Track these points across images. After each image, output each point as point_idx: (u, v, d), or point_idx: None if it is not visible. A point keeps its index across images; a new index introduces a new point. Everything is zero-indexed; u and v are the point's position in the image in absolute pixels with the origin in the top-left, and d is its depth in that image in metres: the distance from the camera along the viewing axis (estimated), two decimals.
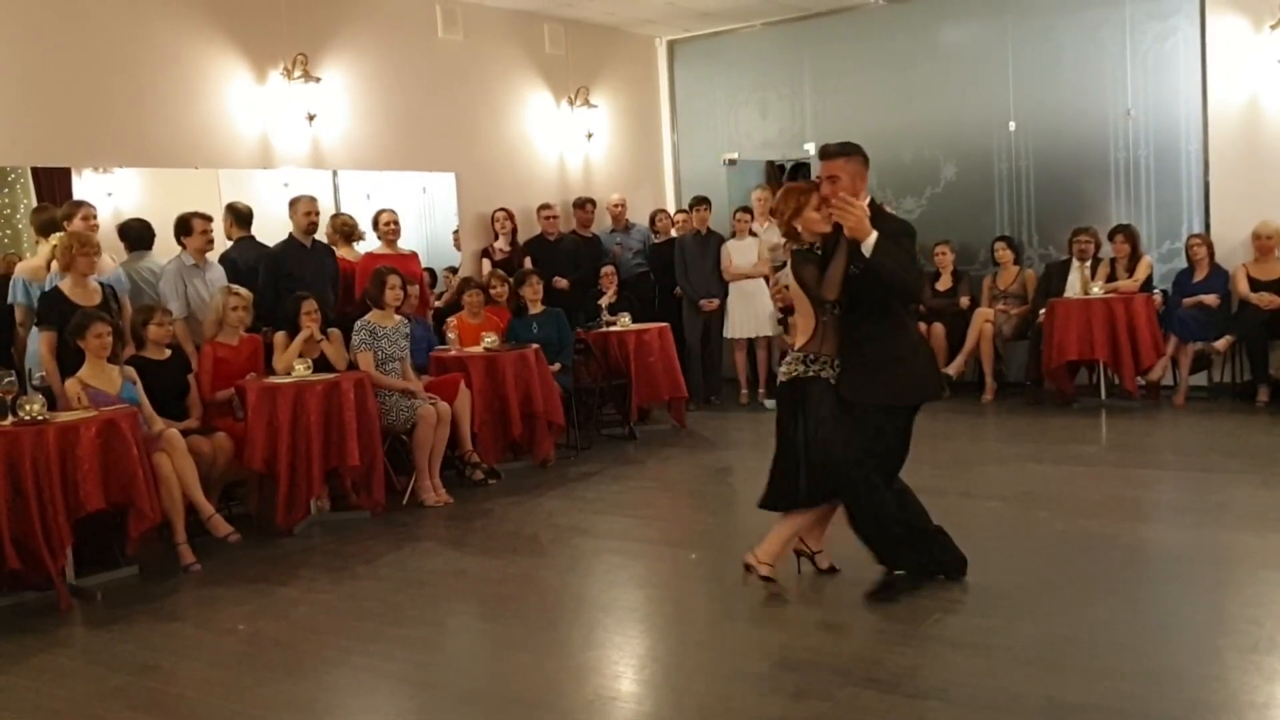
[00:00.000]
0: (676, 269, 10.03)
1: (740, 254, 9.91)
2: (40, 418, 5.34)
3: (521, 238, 9.64)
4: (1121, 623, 4.28)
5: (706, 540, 6.04)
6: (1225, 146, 9.05)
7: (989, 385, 9.41)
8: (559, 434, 8.15)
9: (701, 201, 10.08)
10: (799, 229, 4.65)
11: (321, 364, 6.82)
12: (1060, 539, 5.47)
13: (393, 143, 8.99)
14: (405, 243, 8.50)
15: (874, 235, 4.32)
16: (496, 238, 9.60)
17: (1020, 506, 6.12)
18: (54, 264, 6.26)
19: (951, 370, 9.22)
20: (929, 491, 4.94)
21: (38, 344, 6.15)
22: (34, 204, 6.93)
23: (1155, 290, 8.97)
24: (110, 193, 7.40)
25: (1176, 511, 6.15)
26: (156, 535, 5.85)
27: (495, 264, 9.25)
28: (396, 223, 8.29)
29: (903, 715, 3.64)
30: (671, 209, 11.20)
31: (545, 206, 9.80)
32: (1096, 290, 8.79)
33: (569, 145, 10.60)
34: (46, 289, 6.22)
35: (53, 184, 7.03)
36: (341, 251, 8.09)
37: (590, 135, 10.72)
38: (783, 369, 4.77)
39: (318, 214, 7.72)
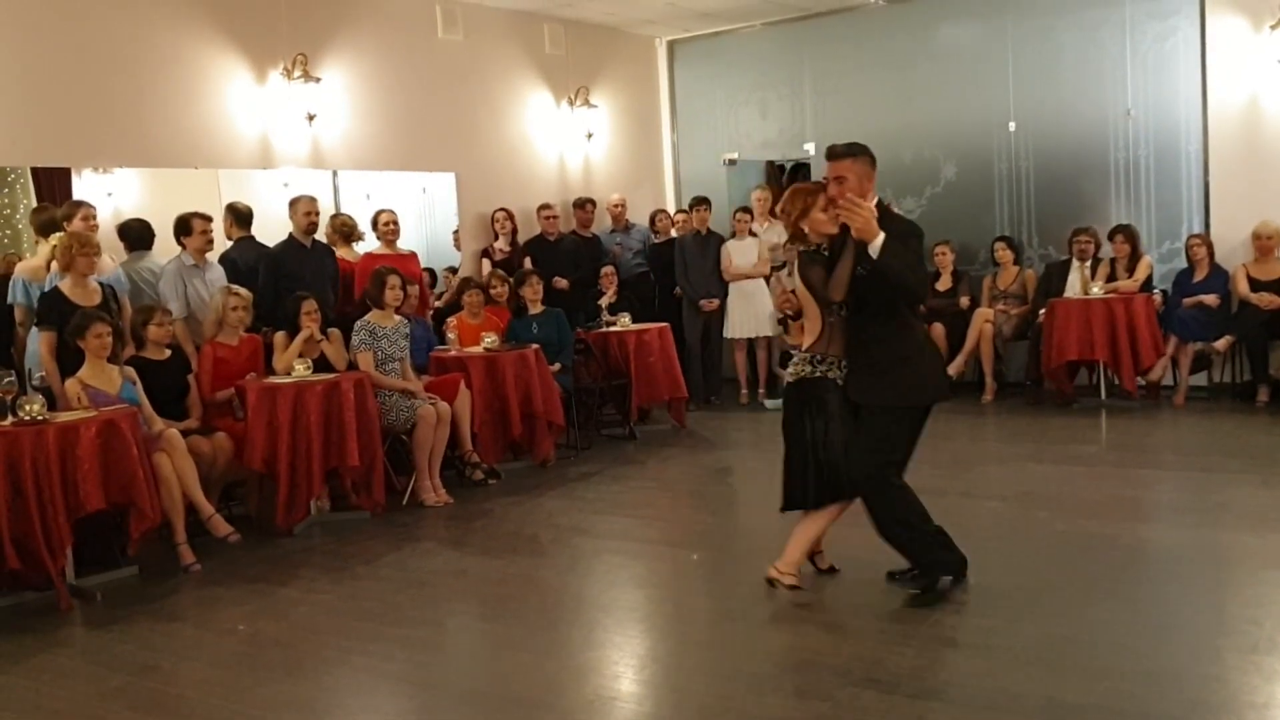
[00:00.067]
0: (676, 269, 10.03)
1: (740, 254, 9.91)
2: (40, 418, 5.34)
3: (521, 238, 9.64)
4: (1121, 623, 4.28)
5: (706, 540, 6.05)
6: (1225, 146, 9.05)
7: (989, 385, 9.41)
8: (559, 434, 8.15)
9: (701, 201, 10.08)
10: (806, 230, 4.64)
11: (321, 364, 6.81)
12: (1060, 539, 5.47)
13: (393, 143, 8.99)
14: (405, 243, 8.50)
15: (881, 236, 4.29)
16: (496, 238, 9.60)
17: (1020, 507, 6.12)
18: (54, 264, 6.26)
19: (951, 370, 9.21)
20: (929, 491, 4.93)
21: (37, 344, 6.15)
22: (34, 204, 6.92)
23: (1155, 290, 8.98)
24: (110, 193, 7.40)
25: (1176, 512, 6.15)
26: (157, 535, 5.85)
27: (495, 264, 9.25)
28: (396, 223, 8.29)
29: (903, 715, 3.64)
30: (671, 209, 11.20)
31: (545, 206, 9.80)
32: (1096, 290, 8.79)
33: (569, 145, 10.60)
34: (46, 289, 6.22)
35: (52, 184, 7.03)
36: (341, 252, 8.09)
37: (590, 135, 10.72)
38: (789, 370, 4.76)
39: (318, 214, 7.72)
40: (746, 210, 10.18)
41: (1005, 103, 9.93)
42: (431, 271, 9.07)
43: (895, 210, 4.90)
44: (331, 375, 6.66)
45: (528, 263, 9.22)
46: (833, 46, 10.79)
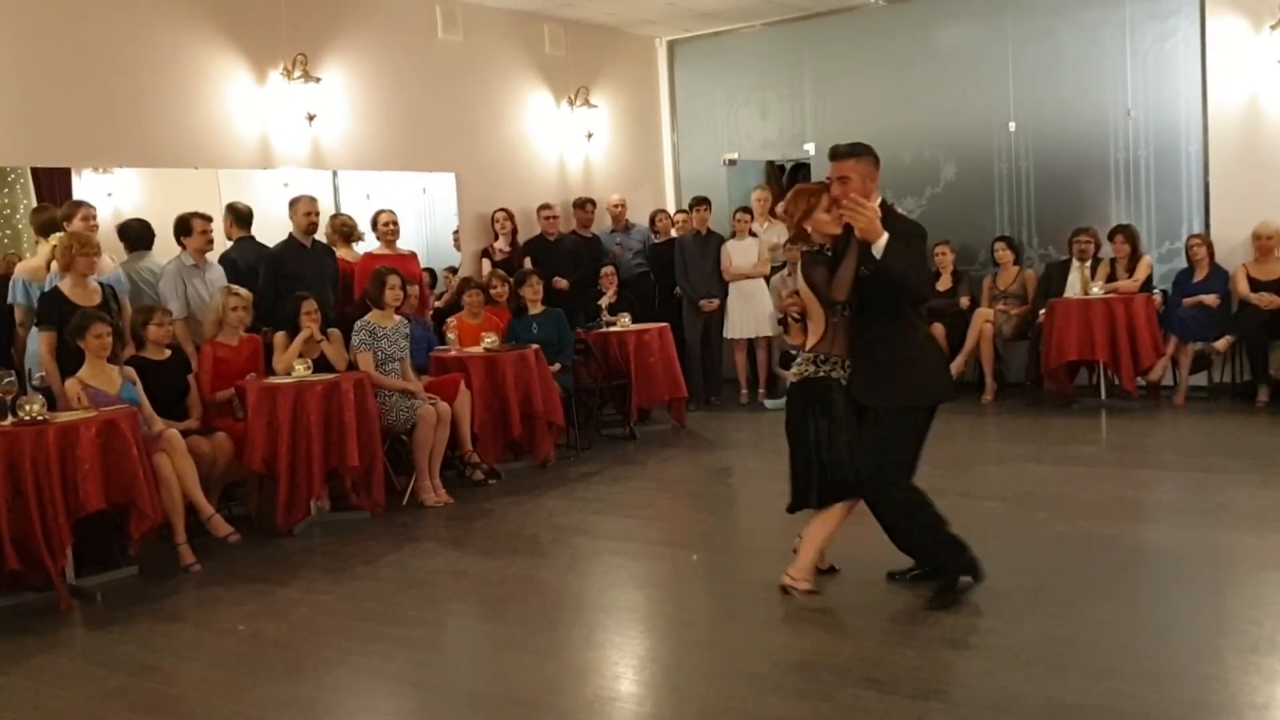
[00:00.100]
0: (676, 269, 10.03)
1: (740, 254, 9.91)
2: (40, 418, 5.33)
3: (521, 238, 9.64)
4: (1122, 623, 4.28)
5: (706, 541, 6.04)
6: (1225, 147, 9.05)
7: (989, 385, 9.41)
8: (559, 434, 8.15)
9: (701, 202, 10.08)
10: (809, 230, 4.63)
11: (321, 364, 6.81)
12: (1060, 539, 5.47)
13: (393, 143, 8.99)
14: (405, 243, 8.50)
15: (885, 236, 4.28)
16: (496, 238, 9.60)
17: (1020, 507, 6.12)
18: (54, 264, 6.26)
19: (951, 371, 9.21)
20: (929, 491, 4.91)
21: (37, 344, 6.15)
22: (34, 204, 6.92)
23: (1155, 290, 8.98)
24: (110, 193, 7.40)
25: (1177, 512, 6.15)
26: (156, 536, 5.84)
27: (495, 264, 9.25)
28: (395, 223, 8.29)
29: (903, 716, 3.64)
30: (671, 209, 11.20)
31: (545, 207, 9.80)
32: (1096, 290, 8.79)
33: (569, 145, 10.60)
34: (46, 289, 6.22)
35: (52, 184, 7.03)
36: (340, 252, 8.09)
37: (590, 135, 10.72)
38: (793, 370, 4.75)
39: (318, 214, 7.72)
40: (746, 210, 10.18)
41: (1005, 103, 9.93)
42: (431, 272, 9.07)
43: (899, 210, 4.88)
44: (331, 375, 6.66)
45: (528, 263, 9.22)
46: (833, 47, 10.79)
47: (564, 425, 8.15)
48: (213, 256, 7.24)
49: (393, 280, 7.16)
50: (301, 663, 4.49)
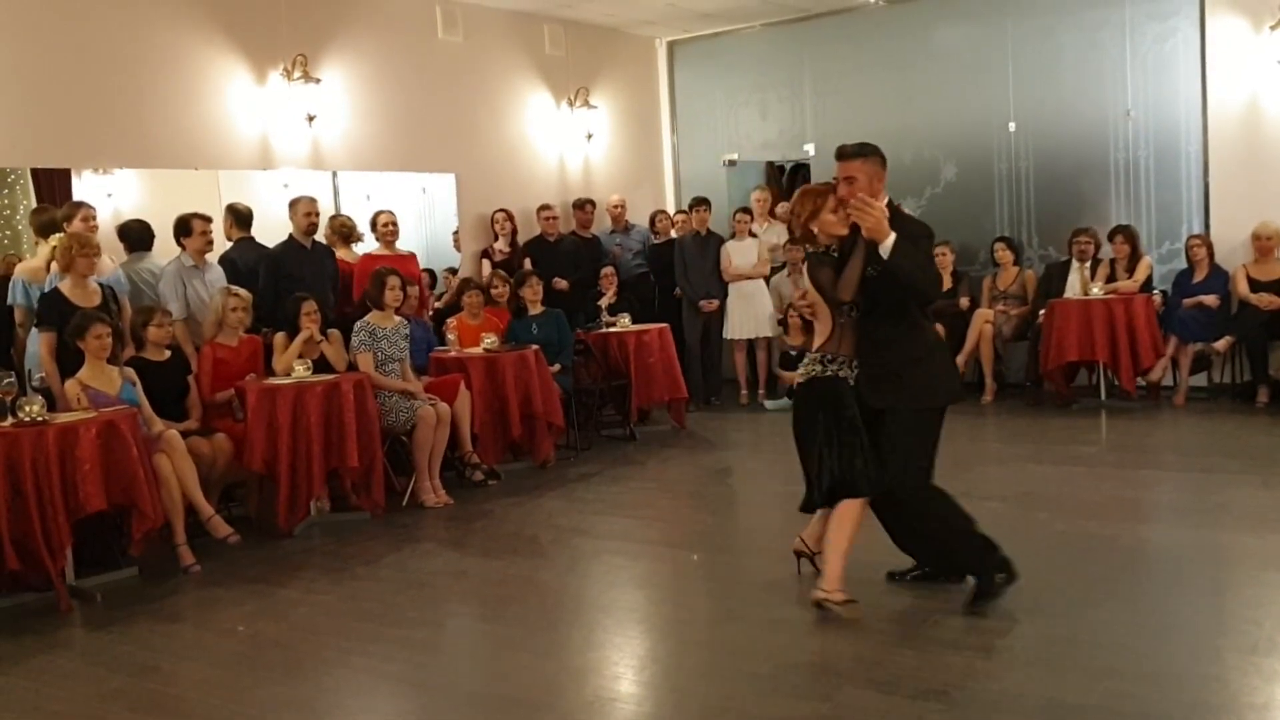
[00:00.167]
0: (676, 270, 10.03)
1: (740, 255, 9.91)
2: (40, 419, 5.33)
3: (521, 238, 9.64)
4: (1122, 624, 4.28)
5: (706, 541, 6.04)
6: (1225, 147, 9.05)
7: (989, 386, 9.40)
8: (559, 435, 8.15)
9: (701, 202, 10.08)
10: (815, 231, 4.61)
11: (321, 365, 6.81)
12: (1060, 540, 5.47)
13: (392, 144, 8.99)
14: (405, 244, 8.50)
15: (892, 236, 4.25)
16: (496, 238, 9.60)
17: (1020, 507, 6.12)
18: (53, 265, 6.26)
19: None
20: None
21: (37, 345, 6.15)
22: (34, 205, 6.93)
23: (1155, 291, 8.98)
24: (110, 194, 7.40)
25: (1177, 512, 6.15)
26: (157, 536, 5.84)
27: (495, 265, 9.25)
28: (395, 224, 8.29)
29: (903, 716, 3.64)
30: (671, 210, 11.20)
31: (545, 207, 9.80)
32: (1096, 291, 8.79)
33: (569, 146, 10.60)
34: (46, 290, 6.22)
35: (52, 185, 7.03)
36: (340, 252, 8.09)
37: (590, 136, 10.72)
38: (800, 370, 4.71)
39: (318, 215, 7.71)
40: (746, 211, 10.19)
41: (1005, 103, 9.93)
42: (431, 272, 9.07)
43: (906, 211, 4.83)
44: (331, 376, 6.65)
45: (527, 264, 9.22)
46: (833, 47, 10.79)
47: (564, 426, 8.15)
48: (212, 257, 7.24)
49: (392, 281, 7.16)
50: (301, 663, 4.49)
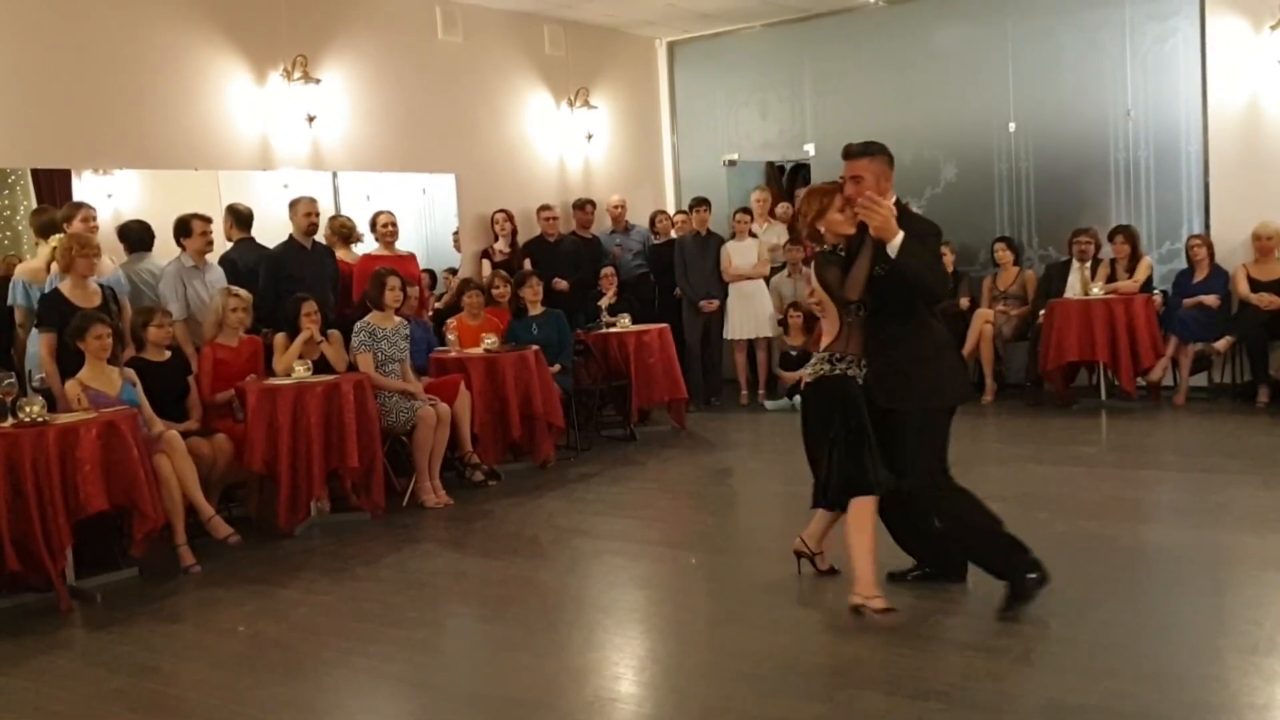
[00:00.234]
0: (676, 270, 10.03)
1: (740, 255, 9.92)
2: (40, 419, 5.33)
3: (521, 239, 9.64)
4: (1122, 624, 4.28)
5: (706, 542, 6.04)
6: (1225, 147, 9.05)
7: (989, 386, 9.40)
8: (559, 435, 8.15)
9: (701, 202, 10.08)
10: (822, 231, 4.59)
11: (321, 365, 6.81)
12: (1060, 540, 5.45)
13: (392, 144, 8.99)
14: (405, 244, 8.51)
15: (900, 235, 4.21)
16: (496, 239, 9.60)
17: (1020, 507, 6.09)
18: (54, 266, 6.26)
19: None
20: None
21: (37, 346, 6.15)
22: (34, 205, 6.93)
23: (1155, 291, 8.98)
24: (110, 194, 7.40)
25: (1177, 512, 6.15)
26: (158, 537, 5.84)
27: (495, 265, 9.25)
28: (394, 224, 8.29)
29: (903, 716, 3.63)
30: (671, 210, 11.20)
31: (545, 208, 9.80)
32: (1096, 291, 8.79)
33: (569, 146, 10.60)
34: (46, 291, 6.22)
35: (52, 185, 7.04)
36: (339, 253, 8.09)
37: (590, 136, 10.72)
38: (808, 369, 4.69)
39: (318, 215, 7.71)
40: (746, 211, 10.19)
41: (1005, 103, 9.93)
42: (431, 273, 9.08)
43: (913, 209, 4.80)
44: (331, 377, 6.66)
45: (527, 264, 9.22)
46: (833, 47, 10.79)
47: (564, 426, 8.15)
48: (212, 258, 7.24)
49: (392, 281, 7.16)
50: (301, 664, 4.49)
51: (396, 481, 7.10)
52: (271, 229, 7.71)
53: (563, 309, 8.66)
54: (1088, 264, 9.03)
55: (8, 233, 7.09)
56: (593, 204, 10.25)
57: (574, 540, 6.14)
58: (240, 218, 7.64)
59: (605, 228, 10.49)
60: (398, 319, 7.22)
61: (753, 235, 10.11)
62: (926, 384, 4.46)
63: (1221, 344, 8.62)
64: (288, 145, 8.20)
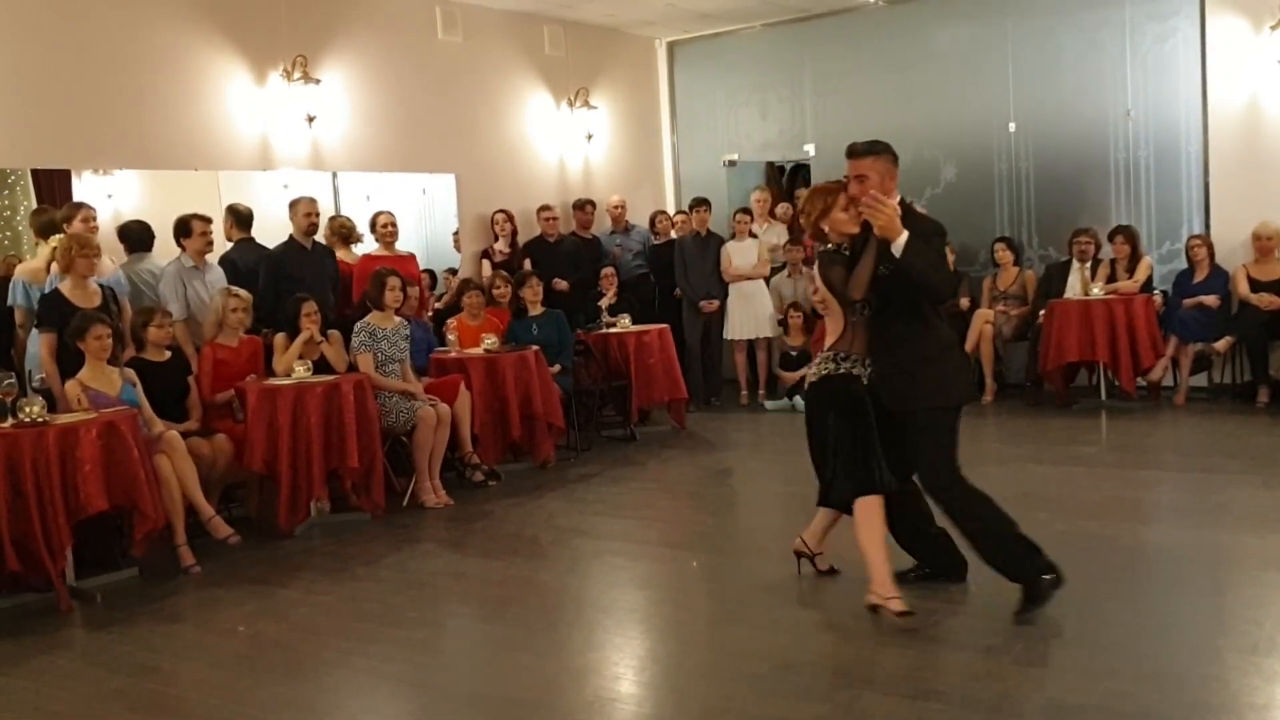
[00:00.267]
0: (676, 270, 10.03)
1: (740, 255, 9.92)
2: (40, 420, 5.33)
3: (521, 239, 9.64)
4: (1122, 623, 4.28)
5: (706, 542, 6.04)
6: (1225, 147, 9.05)
7: (989, 386, 9.40)
8: (559, 435, 8.15)
9: (701, 203, 10.08)
10: (826, 230, 4.57)
11: (321, 366, 6.81)
12: (1060, 540, 5.42)
13: (392, 144, 8.99)
14: (405, 244, 8.51)
15: (905, 235, 4.19)
16: (496, 239, 9.60)
17: (1020, 508, 6.03)
18: (54, 266, 6.26)
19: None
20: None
21: (37, 346, 6.15)
22: (34, 206, 6.93)
23: (1155, 291, 8.98)
24: (110, 194, 7.40)
25: (1177, 512, 6.15)
26: (157, 537, 5.84)
27: (495, 265, 9.25)
28: (394, 224, 8.29)
29: (903, 717, 3.63)
30: (671, 210, 11.20)
31: (545, 208, 9.79)
32: (1096, 291, 8.79)
33: (569, 146, 10.60)
34: (46, 291, 6.22)
35: (52, 186, 7.04)
36: (339, 253, 8.09)
37: (590, 136, 10.72)
38: (813, 369, 4.68)
39: (318, 215, 7.72)
40: (746, 211, 10.19)
41: (1005, 103, 9.93)
42: (431, 273, 9.08)
43: (918, 209, 4.78)
44: (331, 377, 6.66)
45: (527, 264, 9.22)
46: (833, 48, 10.79)
47: (564, 426, 8.15)
48: (212, 258, 7.24)
49: (392, 282, 7.16)
50: (301, 664, 4.49)
51: (396, 482, 7.10)
52: (271, 229, 7.71)
53: (563, 309, 8.66)
54: (1088, 264, 9.03)
55: (8, 233, 7.09)
56: (593, 204, 10.25)
57: (574, 540, 6.14)
58: (240, 218, 7.65)
59: (605, 228, 10.49)
60: (398, 319, 7.22)
61: (753, 235, 10.11)
62: (931, 384, 4.43)
63: (1221, 344, 8.62)
64: (287, 145, 8.21)
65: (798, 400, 9.44)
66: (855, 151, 4.48)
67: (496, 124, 9.91)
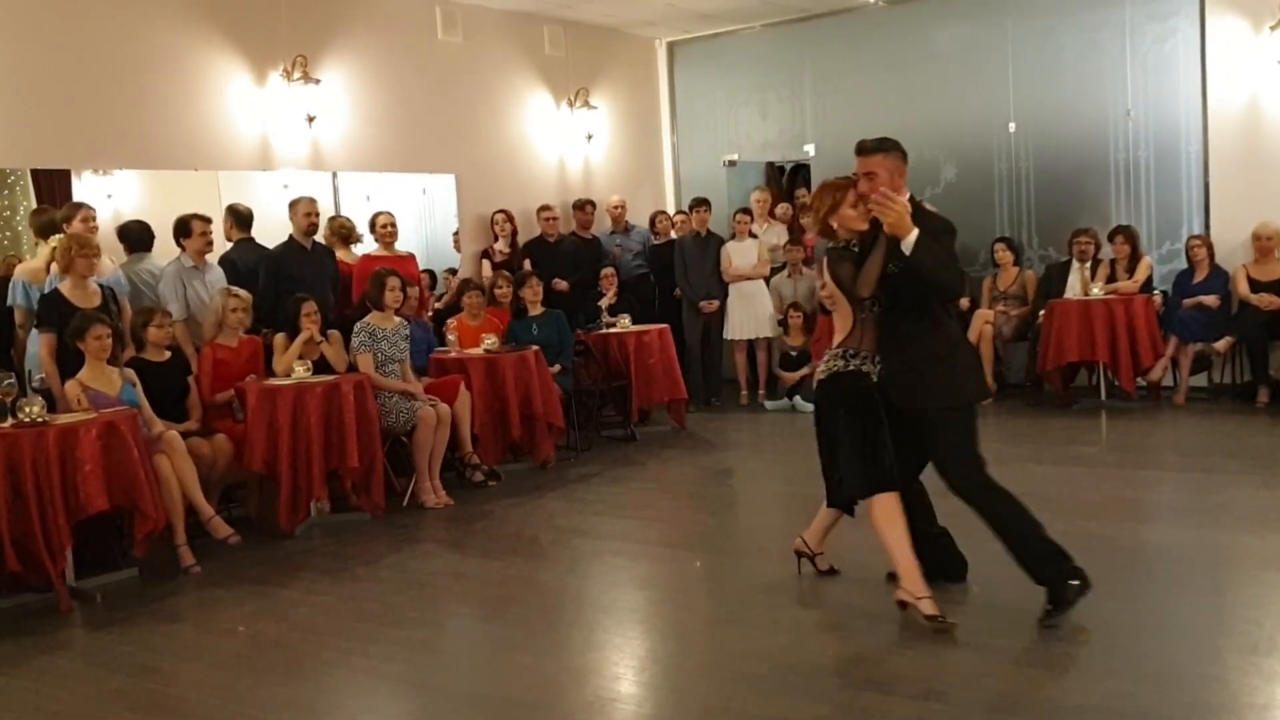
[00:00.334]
0: (676, 270, 10.03)
1: (740, 255, 9.92)
2: (40, 420, 5.33)
3: (521, 239, 9.64)
4: (1122, 624, 4.27)
5: (706, 542, 6.04)
6: (1225, 147, 9.05)
7: (989, 386, 9.39)
8: (559, 435, 8.15)
9: (701, 203, 10.08)
10: (834, 226, 4.55)
11: (321, 366, 6.81)
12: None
13: (392, 144, 8.99)
14: (405, 244, 8.51)
15: (915, 232, 4.17)
16: (496, 239, 9.60)
17: None
18: (53, 266, 6.26)
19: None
20: (931, 492, 4.92)
21: (37, 346, 6.15)
22: (33, 206, 6.93)
23: (1155, 291, 8.98)
24: (110, 194, 7.40)
25: (1177, 512, 6.15)
26: (158, 537, 5.84)
27: (495, 266, 9.25)
28: (393, 225, 8.30)
29: (903, 717, 3.63)
30: (671, 210, 11.20)
31: (545, 208, 9.79)
32: (1096, 291, 8.79)
33: (569, 147, 10.60)
34: (46, 291, 6.22)
35: (52, 186, 7.04)
36: (339, 253, 8.09)
37: (590, 137, 10.71)
38: (821, 366, 4.64)
39: (318, 215, 7.72)
40: (746, 211, 10.19)
41: (1005, 104, 9.93)
42: (431, 273, 9.08)
43: (927, 207, 4.75)
44: (331, 377, 6.66)
45: (527, 264, 9.22)
46: (833, 48, 10.79)
47: (564, 426, 8.15)
48: (212, 258, 7.24)
49: (392, 282, 7.16)
50: (301, 664, 4.49)
51: (396, 482, 7.10)
52: (271, 229, 7.71)
53: (563, 309, 8.66)
54: (1088, 264, 9.03)
55: (8, 233, 7.09)
56: (593, 204, 10.25)
57: (574, 540, 6.14)
58: (240, 218, 7.64)
59: (605, 228, 10.49)
60: (398, 319, 7.22)
61: (753, 236, 10.11)
62: (941, 383, 4.40)
63: (1221, 344, 8.62)
64: (287, 145, 8.20)
65: (798, 400, 9.46)
66: (865, 148, 4.46)
67: (496, 124, 9.91)
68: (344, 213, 8.54)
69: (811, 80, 10.92)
